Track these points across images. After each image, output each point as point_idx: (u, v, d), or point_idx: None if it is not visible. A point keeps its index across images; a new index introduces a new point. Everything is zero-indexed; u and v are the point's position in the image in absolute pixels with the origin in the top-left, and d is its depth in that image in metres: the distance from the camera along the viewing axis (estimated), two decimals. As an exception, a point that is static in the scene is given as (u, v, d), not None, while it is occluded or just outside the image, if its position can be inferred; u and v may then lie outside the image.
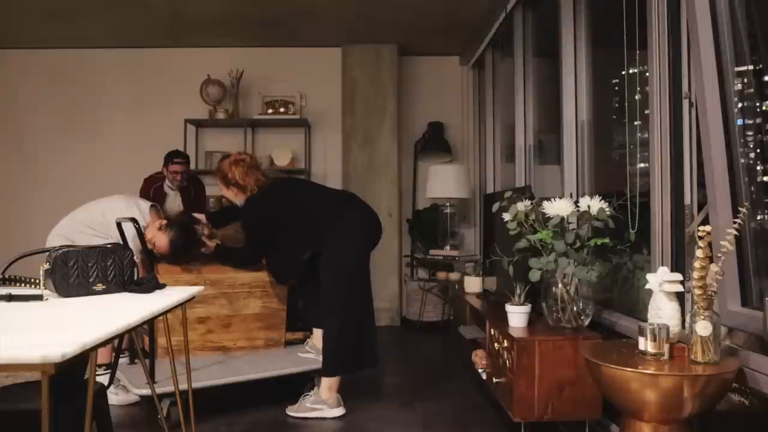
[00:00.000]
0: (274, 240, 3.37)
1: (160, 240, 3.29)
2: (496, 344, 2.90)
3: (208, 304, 3.54)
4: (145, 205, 3.55)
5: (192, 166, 5.82)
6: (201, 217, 3.58)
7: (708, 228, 1.90)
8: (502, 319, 2.87)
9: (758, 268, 2.01)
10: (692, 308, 1.95)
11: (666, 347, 1.96)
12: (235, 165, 3.33)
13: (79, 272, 2.13)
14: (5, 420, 1.80)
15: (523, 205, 2.74)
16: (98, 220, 3.39)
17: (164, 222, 3.35)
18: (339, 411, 3.17)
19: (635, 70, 2.82)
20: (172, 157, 4.68)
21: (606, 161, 3.40)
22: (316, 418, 3.13)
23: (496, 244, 3.41)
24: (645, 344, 1.97)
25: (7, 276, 2.24)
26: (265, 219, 3.34)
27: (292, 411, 3.19)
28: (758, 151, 2.09)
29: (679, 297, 2.13)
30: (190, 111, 5.80)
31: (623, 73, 2.92)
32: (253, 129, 5.97)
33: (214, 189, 5.41)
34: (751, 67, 2.08)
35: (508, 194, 2.96)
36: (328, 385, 3.18)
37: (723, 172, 2.03)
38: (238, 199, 3.38)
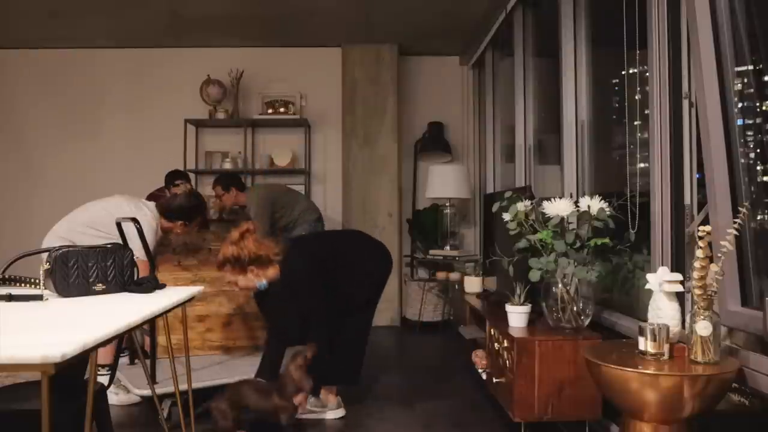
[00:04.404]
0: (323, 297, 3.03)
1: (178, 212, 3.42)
2: (496, 344, 2.90)
3: (207, 302, 3.54)
4: (151, 204, 3.55)
5: (192, 166, 5.84)
6: None
7: (708, 228, 1.90)
8: (502, 319, 2.87)
9: (758, 268, 2.01)
10: (692, 308, 1.95)
11: (666, 347, 1.96)
12: (242, 239, 2.95)
13: (79, 272, 2.13)
14: (5, 420, 1.80)
15: (523, 205, 2.74)
16: (104, 220, 3.34)
17: (162, 221, 3.40)
18: (339, 413, 3.17)
19: (635, 70, 2.82)
20: (173, 179, 4.70)
21: (606, 161, 3.40)
22: (316, 419, 3.14)
23: (496, 244, 3.41)
24: (645, 344, 1.97)
25: (7, 276, 2.23)
26: (316, 273, 3.02)
27: (292, 411, 3.19)
28: (758, 151, 2.09)
29: (679, 297, 2.13)
30: (190, 111, 5.80)
31: (623, 73, 2.92)
32: (253, 129, 5.97)
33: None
34: (751, 67, 2.08)
35: (508, 194, 2.96)
36: (327, 388, 3.18)
37: (723, 172, 2.03)
38: (260, 278, 3.00)
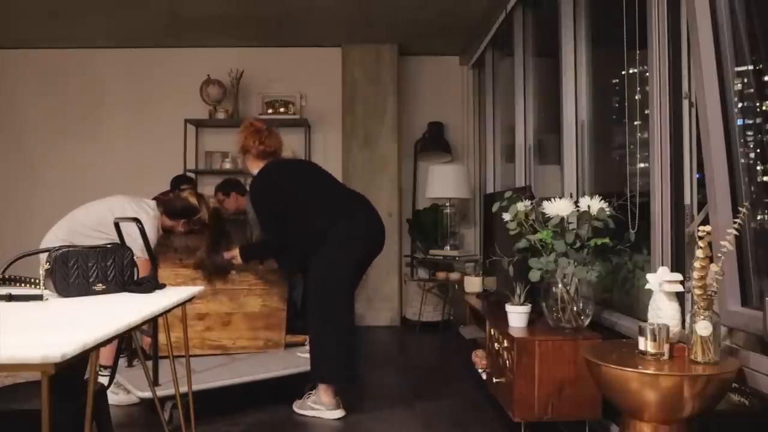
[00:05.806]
0: (282, 224, 3.22)
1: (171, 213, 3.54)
2: (496, 344, 2.90)
3: (207, 300, 3.54)
4: (152, 202, 3.55)
5: (192, 166, 5.84)
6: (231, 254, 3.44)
7: (708, 228, 1.90)
8: (502, 319, 2.87)
9: (758, 268, 2.01)
10: (692, 308, 1.95)
11: (666, 347, 1.96)
12: (243, 129, 3.32)
13: (79, 272, 2.13)
14: (5, 420, 1.80)
15: (523, 205, 2.74)
16: (109, 221, 3.30)
17: (164, 219, 3.46)
18: (338, 413, 3.17)
19: (635, 70, 2.82)
20: (179, 184, 4.73)
21: (606, 161, 3.40)
22: (315, 417, 3.14)
23: (496, 244, 3.41)
24: (645, 344, 1.97)
25: (7, 276, 2.23)
26: (269, 193, 3.23)
27: (296, 406, 3.24)
28: (758, 151, 2.09)
29: (679, 297, 2.13)
30: (190, 111, 5.80)
31: (623, 73, 2.92)
32: (253, 129, 5.96)
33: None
34: (751, 67, 2.08)
35: (508, 194, 2.96)
36: (323, 388, 3.18)
37: (723, 172, 2.03)
38: (250, 165, 3.34)
